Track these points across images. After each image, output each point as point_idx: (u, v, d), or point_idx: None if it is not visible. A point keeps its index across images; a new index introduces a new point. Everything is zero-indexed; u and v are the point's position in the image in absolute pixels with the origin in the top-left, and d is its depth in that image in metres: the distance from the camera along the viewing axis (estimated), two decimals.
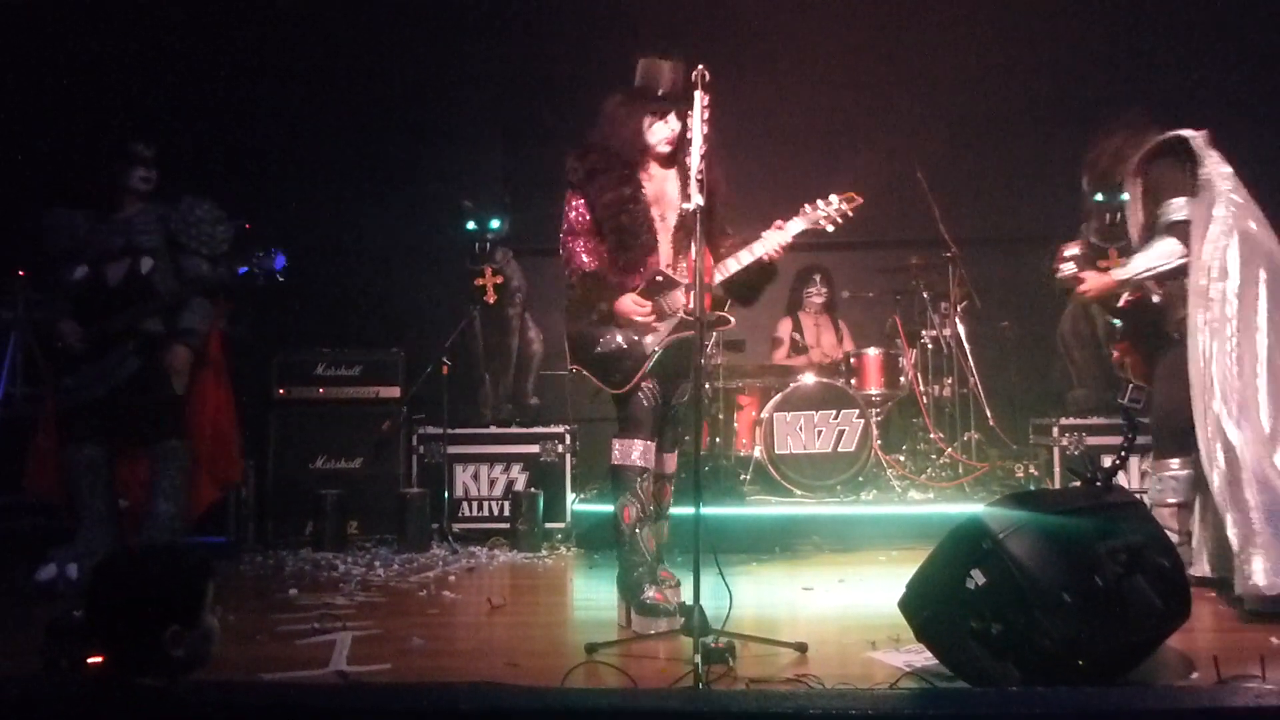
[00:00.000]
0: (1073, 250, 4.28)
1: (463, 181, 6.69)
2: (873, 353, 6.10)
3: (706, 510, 3.08)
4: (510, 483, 5.88)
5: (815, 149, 6.79)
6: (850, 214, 3.70)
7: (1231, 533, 3.49)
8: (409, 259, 6.77)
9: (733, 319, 3.90)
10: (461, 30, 6.75)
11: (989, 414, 6.06)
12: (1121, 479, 3.50)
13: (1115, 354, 4.41)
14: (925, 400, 6.06)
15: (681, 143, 3.61)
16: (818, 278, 6.58)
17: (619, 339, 3.64)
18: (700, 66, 3.21)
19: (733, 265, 3.67)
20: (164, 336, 4.53)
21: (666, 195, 3.71)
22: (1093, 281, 4.10)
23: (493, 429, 6.06)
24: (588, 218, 3.64)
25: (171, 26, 6.38)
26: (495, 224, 6.39)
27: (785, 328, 6.66)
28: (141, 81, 6.36)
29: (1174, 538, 3.60)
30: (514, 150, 7.05)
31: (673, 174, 3.73)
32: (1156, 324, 4.00)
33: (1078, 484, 3.20)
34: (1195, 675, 2.78)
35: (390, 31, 6.69)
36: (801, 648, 3.08)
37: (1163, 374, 3.98)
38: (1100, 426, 5.71)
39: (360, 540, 5.70)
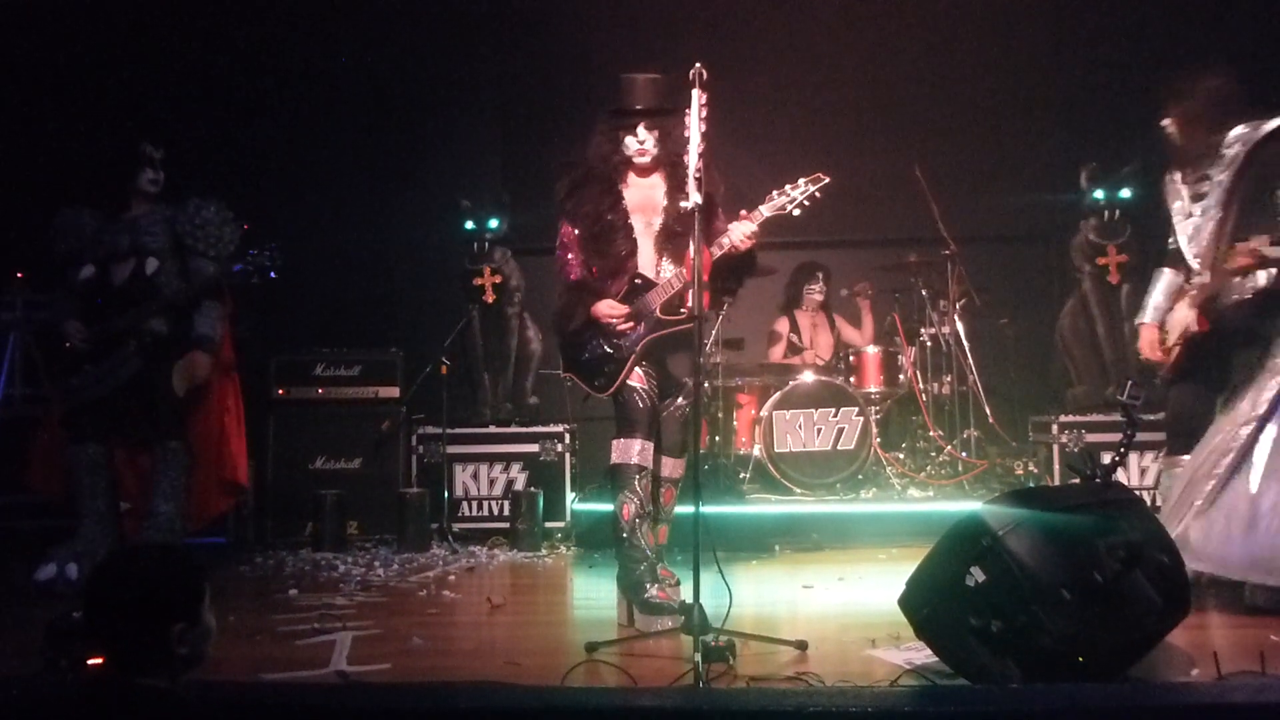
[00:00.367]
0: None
1: (461, 181, 6.70)
2: (872, 351, 6.11)
3: (706, 509, 3.08)
4: (510, 482, 5.89)
5: (814, 148, 6.76)
6: (818, 195, 3.58)
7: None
8: (408, 259, 6.77)
9: (718, 313, 3.89)
10: (461, 30, 6.75)
11: (988, 411, 6.06)
12: (1121, 476, 3.47)
13: (1172, 337, 4.03)
14: (924, 398, 6.05)
15: (665, 147, 3.69)
16: (820, 275, 6.57)
17: (601, 343, 3.72)
18: (698, 65, 3.20)
19: None
20: (174, 341, 4.53)
21: (651, 201, 3.79)
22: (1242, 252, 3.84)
23: (492, 428, 6.07)
24: (574, 232, 3.79)
25: (172, 27, 6.38)
26: (494, 224, 6.41)
27: (783, 325, 6.65)
28: (144, 82, 6.36)
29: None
30: (513, 150, 7.05)
31: (658, 180, 3.81)
32: (1251, 326, 3.82)
33: (1077, 481, 3.20)
34: (1195, 671, 2.78)
35: (390, 31, 6.68)
36: (801, 646, 3.09)
37: (1188, 369, 3.93)
38: (1099, 423, 5.73)
39: (360, 540, 5.71)
